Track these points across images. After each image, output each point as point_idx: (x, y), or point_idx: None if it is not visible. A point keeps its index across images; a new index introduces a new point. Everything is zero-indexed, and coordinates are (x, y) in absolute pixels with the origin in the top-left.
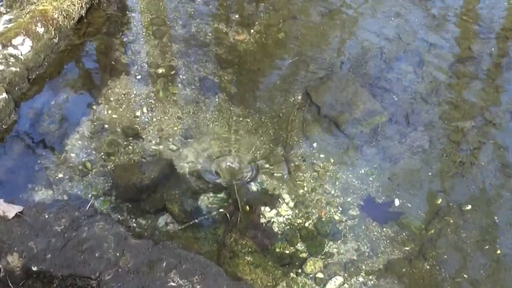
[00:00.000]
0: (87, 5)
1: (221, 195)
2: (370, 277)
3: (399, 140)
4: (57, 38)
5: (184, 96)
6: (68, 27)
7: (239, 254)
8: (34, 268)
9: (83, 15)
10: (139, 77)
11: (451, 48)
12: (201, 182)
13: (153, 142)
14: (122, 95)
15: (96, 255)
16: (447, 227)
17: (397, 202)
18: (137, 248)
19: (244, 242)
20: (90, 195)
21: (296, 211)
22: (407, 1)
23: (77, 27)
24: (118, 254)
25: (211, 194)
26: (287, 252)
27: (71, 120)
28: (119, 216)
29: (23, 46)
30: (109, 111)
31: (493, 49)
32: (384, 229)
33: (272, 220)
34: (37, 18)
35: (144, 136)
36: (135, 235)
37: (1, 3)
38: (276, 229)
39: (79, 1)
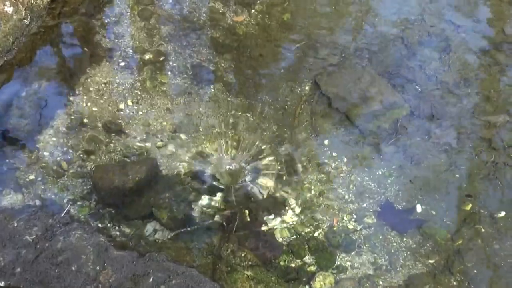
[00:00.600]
0: None
1: (217, 199)
2: None
3: (422, 137)
4: (28, 19)
5: (174, 86)
6: (41, 6)
7: (237, 268)
8: (1, 284)
9: None
10: (122, 64)
11: (483, 31)
12: (194, 184)
13: (139, 138)
14: (103, 85)
15: (73, 269)
16: (477, 237)
17: (419, 208)
18: (120, 261)
19: (243, 254)
20: (66, 200)
21: (303, 218)
22: None
23: (51, 6)
24: (98, 267)
25: (205, 199)
26: (293, 265)
27: (44, 114)
28: (99, 224)
29: None
30: (89, 103)
31: None
32: (405, 239)
33: (276, 228)
34: None
35: (128, 132)
36: (118, 245)
37: None
38: (280, 239)
39: None
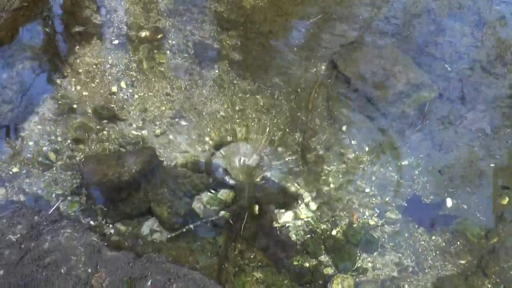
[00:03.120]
0: None
1: (223, 193)
2: None
3: (453, 122)
4: None
5: (174, 67)
6: None
7: (245, 269)
8: None
9: None
10: (116, 42)
11: None
12: (197, 177)
13: (135, 125)
14: (94, 66)
15: (62, 271)
16: None
17: (449, 202)
18: (114, 263)
19: (252, 255)
20: (54, 195)
21: (319, 214)
22: None
23: None
24: (90, 270)
25: (210, 193)
26: (308, 266)
27: (28, 98)
28: (91, 221)
29: None
30: (78, 87)
31: None
32: (433, 237)
33: (288, 225)
34: None
35: (122, 118)
36: (112, 245)
37: None
38: (293, 237)
39: None
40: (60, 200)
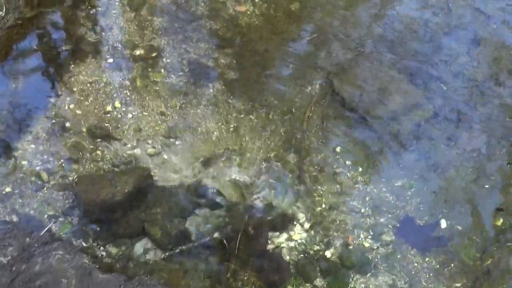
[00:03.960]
0: None
1: (216, 214)
2: None
3: (448, 142)
4: (3, 11)
5: (168, 86)
6: None
7: None
8: None
9: None
10: (110, 60)
11: None
12: (190, 197)
13: (129, 145)
14: (89, 85)
15: None
16: (510, 255)
17: (443, 223)
18: (105, 285)
19: (245, 277)
20: (46, 216)
21: (314, 235)
22: None
23: None
24: None
25: (203, 213)
26: None
27: (22, 117)
28: (83, 242)
29: None
30: (72, 105)
31: None
32: (427, 259)
33: (282, 246)
34: None
35: (117, 138)
36: (104, 268)
37: None
38: (287, 259)
39: None
40: (52, 222)
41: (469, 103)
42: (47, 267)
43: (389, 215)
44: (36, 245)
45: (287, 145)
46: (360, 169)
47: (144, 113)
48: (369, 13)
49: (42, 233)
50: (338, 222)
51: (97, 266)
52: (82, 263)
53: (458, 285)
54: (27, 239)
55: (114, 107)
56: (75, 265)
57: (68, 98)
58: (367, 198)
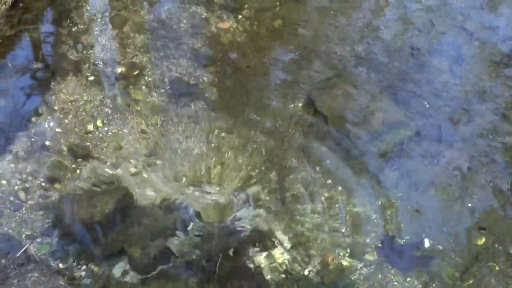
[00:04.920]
0: None
1: (197, 234)
2: None
3: (430, 160)
4: None
5: (150, 104)
6: None
7: None
8: None
9: None
10: (91, 78)
11: (500, 39)
12: (171, 217)
13: (109, 164)
14: (69, 103)
15: None
16: (491, 275)
17: (427, 242)
18: None
19: None
20: (24, 236)
21: (295, 254)
22: None
23: (10, 13)
24: None
25: (183, 234)
26: None
27: (1, 136)
28: (61, 263)
29: None
30: (52, 124)
31: None
32: (408, 279)
33: (263, 266)
34: None
35: (97, 157)
36: None
37: None
38: (268, 278)
39: None
40: (29, 243)
41: (451, 121)
42: None
43: (371, 235)
44: (12, 266)
45: (268, 164)
46: (341, 188)
47: (125, 131)
48: (352, 31)
49: (18, 255)
50: (319, 241)
51: None
52: (58, 285)
53: None
54: (3, 260)
55: (95, 126)
56: (51, 287)
57: (49, 117)
58: (348, 217)
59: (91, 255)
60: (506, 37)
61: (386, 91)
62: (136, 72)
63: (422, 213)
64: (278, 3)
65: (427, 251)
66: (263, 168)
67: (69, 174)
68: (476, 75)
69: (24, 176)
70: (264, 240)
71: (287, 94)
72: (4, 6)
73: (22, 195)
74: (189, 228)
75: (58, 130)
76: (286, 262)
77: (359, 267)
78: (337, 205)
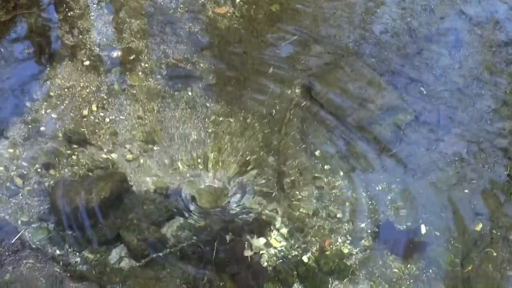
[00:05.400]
0: None
1: (194, 220)
2: None
3: (428, 146)
4: None
5: (146, 89)
6: None
7: None
8: None
9: None
10: (87, 63)
11: (499, 24)
12: (167, 203)
13: (105, 150)
14: (65, 89)
15: None
16: (489, 262)
17: (423, 228)
18: None
19: (222, 283)
20: (19, 222)
21: (292, 241)
22: None
23: None
24: None
25: (180, 219)
26: None
27: None
28: (57, 249)
29: None
30: (48, 110)
31: None
32: (407, 265)
33: (261, 252)
34: None
35: (93, 143)
36: (77, 275)
37: None
38: (265, 264)
39: None
40: (23, 229)
41: (450, 106)
42: (18, 275)
43: (369, 220)
44: (7, 253)
45: (265, 149)
46: (339, 173)
47: (121, 117)
48: (350, 15)
49: (13, 241)
50: (316, 227)
51: (69, 275)
52: (53, 272)
53: None
54: None
55: (91, 111)
56: (45, 274)
57: (44, 103)
58: (346, 203)
59: (87, 241)
60: (505, 21)
61: (384, 76)
62: (132, 57)
63: (419, 199)
64: None
65: (424, 237)
66: (261, 153)
67: (65, 160)
68: (475, 60)
69: (20, 162)
70: (261, 226)
71: (285, 79)
72: None
73: (18, 181)
74: (185, 214)
75: (54, 116)
76: (284, 248)
77: (357, 253)
78: (334, 191)
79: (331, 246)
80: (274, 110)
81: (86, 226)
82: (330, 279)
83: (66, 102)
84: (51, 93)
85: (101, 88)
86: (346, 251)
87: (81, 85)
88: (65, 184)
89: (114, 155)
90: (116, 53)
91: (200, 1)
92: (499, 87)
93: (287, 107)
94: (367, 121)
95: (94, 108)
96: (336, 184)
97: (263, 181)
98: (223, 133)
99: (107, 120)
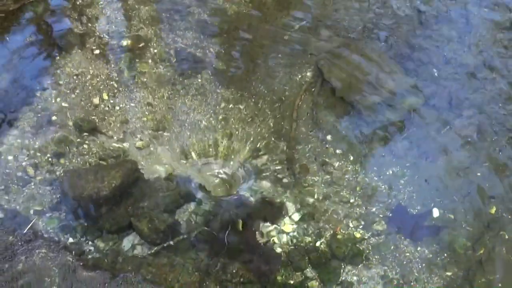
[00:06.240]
0: None
1: (206, 207)
2: None
3: (440, 129)
4: None
5: (156, 76)
6: None
7: (228, 286)
8: None
9: None
10: (97, 52)
11: (510, 6)
12: (179, 190)
13: (116, 138)
14: (75, 77)
15: None
16: (502, 245)
17: (436, 212)
18: (89, 283)
19: (235, 270)
20: (32, 211)
21: (304, 226)
22: None
23: None
24: None
25: (192, 207)
26: (292, 282)
27: (7, 112)
28: (70, 238)
29: None
30: (58, 99)
31: None
32: (419, 248)
33: (273, 238)
34: None
35: (103, 131)
36: (90, 264)
37: None
38: (278, 251)
39: None
40: (35, 219)
41: (461, 89)
42: (31, 265)
43: (381, 205)
44: (20, 243)
45: (276, 135)
46: (351, 158)
47: (132, 105)
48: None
49: (25, 231)
50: (328, 212)
51: (81, 264)
52: (65, 261)
53: (450, 273)
54: (11, 237)
55: (102, 100)
56: (58, 263)
57: (54, 91)
58: (357, 188)
59: (99, 229)
60: None
61: (394, 60)
62: (141, 45)
63: (431, 183)
64: None
65: (436, 221)
66: (272, 139)
67: (75, 149)
68: (485, 42)
69: (32, 151)
70: (273, 212)
71: (295, 64)
72: None
73: (30, 170)
74: (197, 201)
75: (64, 104)
76: (296, 234)
77: (369, 238)
78: (346, 176)
79: (343, 231)
80: (284, 95)
81: (98, 214)
82: (342, 264)
83: (77, 90)
84: (61, 82)
85: (111, 76)
86: (358, 235)
87: (91, 74)
88: (77, 173)
89: (125, 144)
90: (125, 41)
91: None
92: (510, 70)
93: (297, 92)
94: (378, 105)
95: (104, 96)
96: (348, 168)
97: (275, 167)
98: (233, 119)
99: (117, 108)
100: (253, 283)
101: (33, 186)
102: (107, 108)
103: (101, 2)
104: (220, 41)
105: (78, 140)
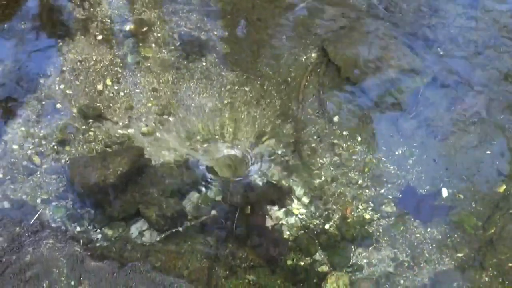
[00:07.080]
0: None
1: (213, 192)
2: None
3: (447, 107)
4: None
5: (160, 61)
6: None
7: (237, 271)
8: None
9: None
10: (100, 37)
11: None
12: (186, 176)
13: (121, 124)
14: (78, 63)
15: (44, 285)
16: None
17: (445, 192)
18: (97, 274)
19: (244, 255)
20: (39, 200)
21: (313, 209)
22: None
23: None
24: (73, 282)
25: (199, 192)
26: (302, 264)
27: (11, 100)
28: (77, 226)
29: None
30: (62, 86)
31: None
32: (429, 229)
33: (281, 222)
34: None
35: (108, 117)
36: (98, 253)
37: None
38: (286, 234)
39: None
40: (41, 209)
41: (467, 66)
42: (38, 256)
43: (389, 185)
44: (27, 234)
45: (283, 117)
46: (359, 139)
47: (136, 91)
48: None
49: (32, 222)
50: (337, 194)
51: (89, 254)
52: (73, 251)
53: (460, 254)
54: (17, 228)
55: (106, 86)
56: (66, 254)
57: (58, 78)
58: (366, 169)
59: (106, 217)
60: None
61: (400, 38)
62: (145, 29)
63: (440, 162)
64: None
65: (445, 201)
66: (278, 121)
67: (81, 136)
68: (492, 18)
69: (36, 140)
70: (281, 195)
71: (300, 45)
72: None
73: (36, 159)
74: (204, 186)
75: (68, 91)
76: (305, 217)
77: (379, 219)
78: (354, 157)
79: (352, 213)
80: (290, 77)
81: (105, 202)
82: (352, 247)
83: (81, 77)
84: (64, 68)
85: (115, 62)
86: (367, 217)
87: (94, 59)
88: (82, 160)
89: (130, 130)
90: (128, 25)
91: None
92: None
93: (303, 73)
94: (384, 84)
95: (108, 82)
96: (356, 150)
97: (282, 149)
98: (239, 102)
99: (122, 94)
100: (262, 268)
101: (39, 175)
102: (111, 94)
103: None
104: (224, 23)
105: (83, 127)
